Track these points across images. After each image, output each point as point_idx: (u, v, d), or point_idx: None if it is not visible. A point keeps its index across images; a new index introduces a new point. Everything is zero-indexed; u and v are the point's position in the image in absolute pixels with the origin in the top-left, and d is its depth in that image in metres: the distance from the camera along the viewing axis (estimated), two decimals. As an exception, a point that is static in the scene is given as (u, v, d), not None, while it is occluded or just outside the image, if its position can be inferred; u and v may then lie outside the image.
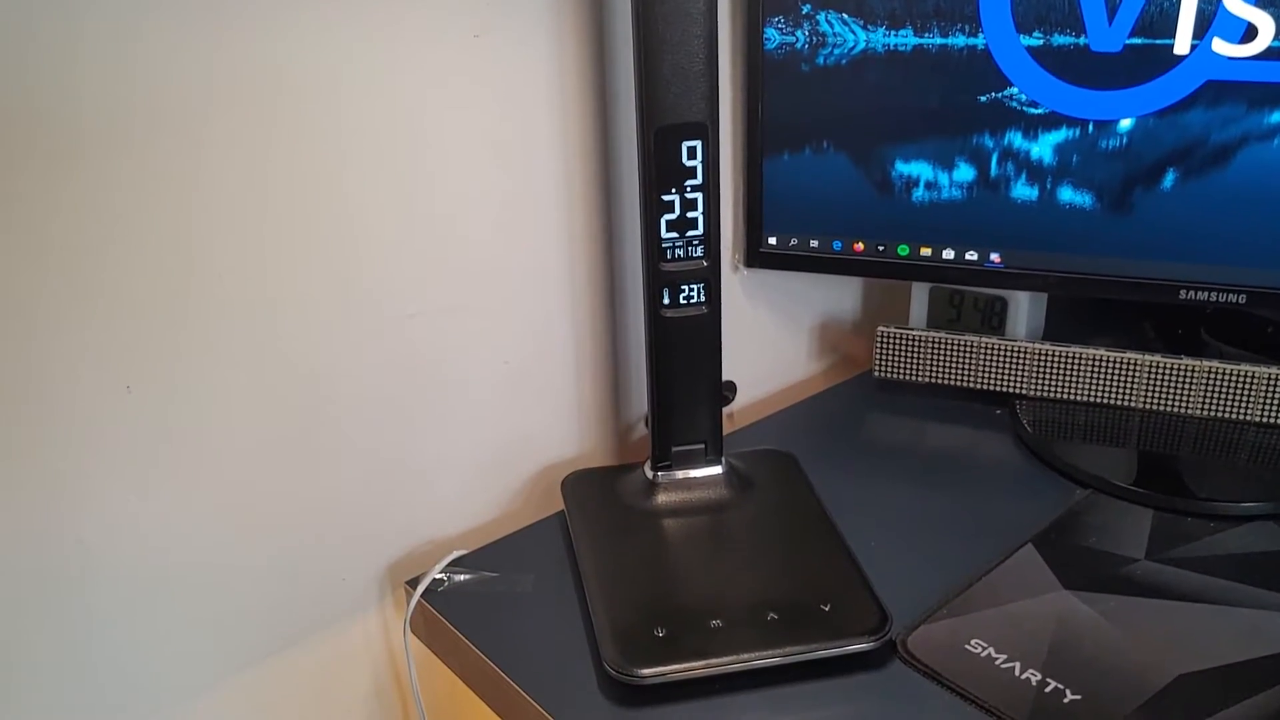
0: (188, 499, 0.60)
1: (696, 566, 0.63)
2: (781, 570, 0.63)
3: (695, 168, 0.62)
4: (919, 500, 0.72)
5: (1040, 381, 0.80)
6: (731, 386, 0.72)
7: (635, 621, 0.58)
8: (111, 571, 0.59)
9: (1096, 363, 0.78)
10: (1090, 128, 0.70)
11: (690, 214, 0.63)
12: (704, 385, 0.68)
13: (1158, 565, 0.64)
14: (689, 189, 0.63)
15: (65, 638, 0.58)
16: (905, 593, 0.61)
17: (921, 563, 0.65)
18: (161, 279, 0.56)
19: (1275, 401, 0.75)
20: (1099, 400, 0.79)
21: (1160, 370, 0.77)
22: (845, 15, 0.71)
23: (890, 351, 0.84)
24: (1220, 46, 0.65)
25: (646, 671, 0.55)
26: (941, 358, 0.83)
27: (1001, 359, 0.81)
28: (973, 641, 0.58)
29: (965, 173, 0.73)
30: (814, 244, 0.79)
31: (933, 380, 0.84)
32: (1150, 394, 0.78)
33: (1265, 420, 0.76)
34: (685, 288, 0.65)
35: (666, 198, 0.63)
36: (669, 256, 0.64)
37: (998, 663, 0.56)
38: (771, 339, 0.90)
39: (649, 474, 0.69)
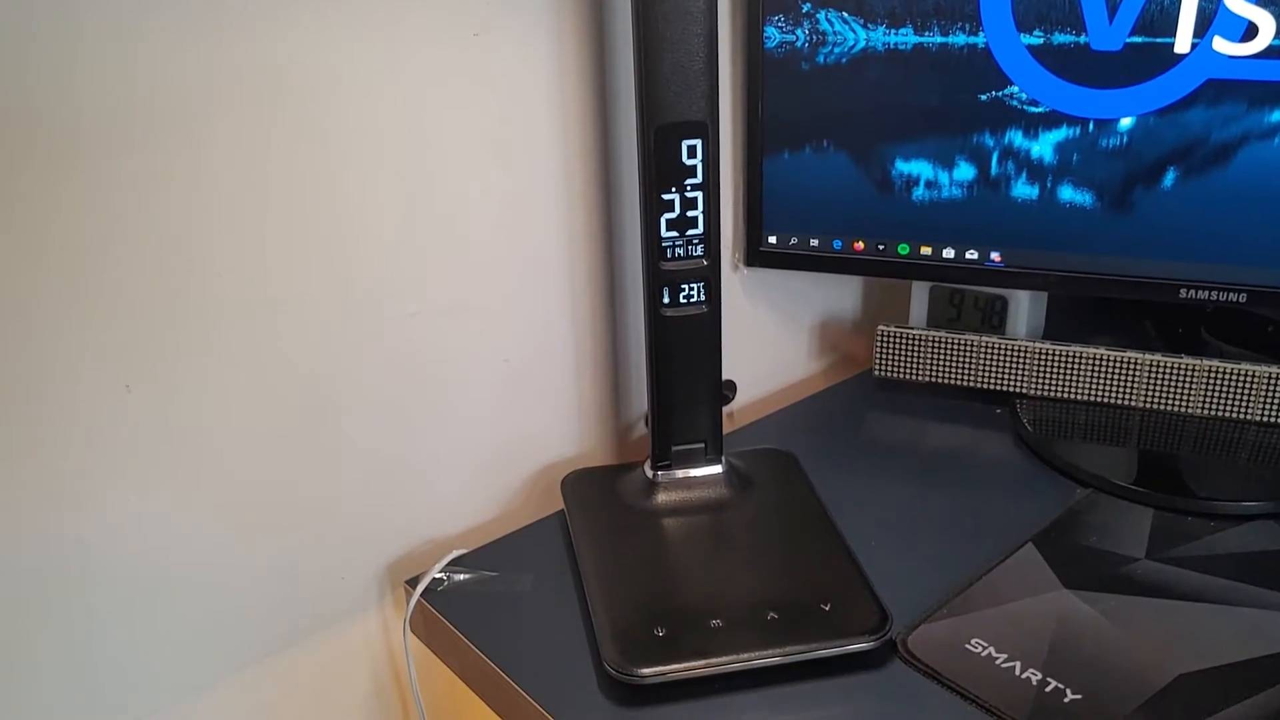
0: (188, 499, 0.60)
1: (696, 566, 0.63)
2: (781, 570, 0.63)
3: (695, 166, 0.62)
4: (919, 499, 0.72)
5: (1040, 381, 0.80)
6: (731, 386, 0.72)
7: (635, 621, 0.58)
8: (111, 571, 0.59)
9: (1097, 362, 0.78)
10: (1091, 126, 0.69)
11: (690, 213, 0.63)
12: (704, 384, 0.67)
13: (1158, 564, 0.64)
14: (689, 188, 0.63)
15: (65, 638, 0.58)
16: (905, 592, 0.61)
17: (921, 562, 0.65)
18: (161, 279, 0.56)
19: (1276, 401, 0.75)
20: (1099, 399, 0.79)
21: (1161, 369, 0.77)
22: (845, 14, 0.71)
23: (890, 351, 0.84)
24: (1221, 45, 0.65)
25: (646, 671, 0.55)
26: (942, 357, 0.83)
27: (1002, 358, 0.81)
28: (973, 641, 0.58)
29: (965, 172, 0.73)
30: (814, 243, 0.79)
31: (933, 379, 0.84)
32: (1150, 393, 0.78)
33: (1266, 419, 0.75)
34: (685, 287, 0.65)
35: (666, 197, 0.62)
36: (669, 255, 0.64)
37: (998, 662, 0.56)
38: (771, 338, 0.90)
39: (649, 473, 0.69)
